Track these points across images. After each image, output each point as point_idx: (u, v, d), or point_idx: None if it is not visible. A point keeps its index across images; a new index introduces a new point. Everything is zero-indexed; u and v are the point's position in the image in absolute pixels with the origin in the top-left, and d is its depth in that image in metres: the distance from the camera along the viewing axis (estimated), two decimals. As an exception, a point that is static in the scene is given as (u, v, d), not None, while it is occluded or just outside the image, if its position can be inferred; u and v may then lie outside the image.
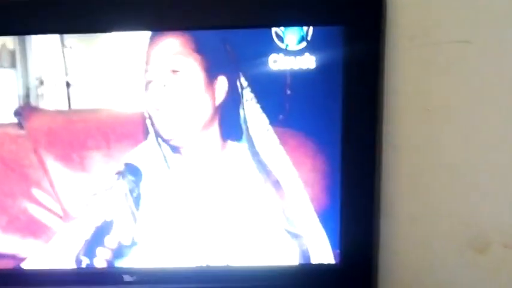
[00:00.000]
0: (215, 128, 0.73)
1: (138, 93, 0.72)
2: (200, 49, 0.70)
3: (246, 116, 0.72)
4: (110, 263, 0.78)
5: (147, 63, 0.71)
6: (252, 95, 0.71)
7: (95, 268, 0.79)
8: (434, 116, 0.73)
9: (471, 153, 0.73)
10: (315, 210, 0.76)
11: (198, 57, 0.70)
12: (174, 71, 0.71)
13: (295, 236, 0.77)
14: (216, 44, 0.70)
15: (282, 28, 0.69)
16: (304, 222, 0.76)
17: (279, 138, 0.73)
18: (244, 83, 0.71)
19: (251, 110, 0.72)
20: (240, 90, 0.71)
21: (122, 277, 0.79)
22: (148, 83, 0.71)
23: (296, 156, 0.74)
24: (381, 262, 0.81)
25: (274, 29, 0.69)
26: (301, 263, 0.79)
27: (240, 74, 0.71)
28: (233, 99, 0.72)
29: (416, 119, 0.74)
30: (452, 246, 0.77)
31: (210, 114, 0.73)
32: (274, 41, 0.70)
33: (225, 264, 0.79)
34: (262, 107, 0.72)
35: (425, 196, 0.77)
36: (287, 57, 0.70)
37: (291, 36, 0.69)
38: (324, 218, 0.76)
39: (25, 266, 0.79)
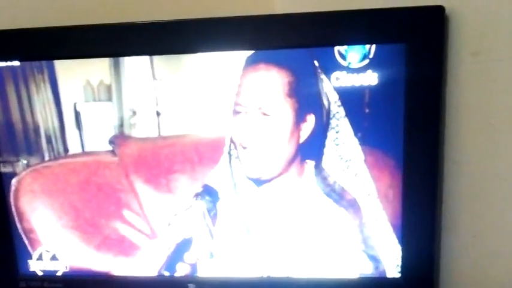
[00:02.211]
0: (296, 160, 0.77)
1: (222, 120, 0.77)
2: (292, 92, 0.74)
3: (329, 141, 0.76)
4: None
5: (237, 95, 0.76)
6: (337, 122, 0.75)
7: (161, 276, 0.84)
8: (496, 132, 0.73)
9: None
10: (389, 224, 0.78)
11: (290, 100, 0.74)
12: (264, 114, 0.75)
13: (367, 250, 0.79)
14: (308, 79, 0.74)
15: (344, 47, 0.72)
16: (374, 236, 0.78)
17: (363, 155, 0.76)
18: (333, 110, 0.74)
19: (335, 134, 0.75)
20: (327, 120, 0.75)
21: (187, 286, 0.84)
22: (236, 114, 0.76)
23: (375, 173, 0.76)
24: (442, 277, 0.80)
25: (337, 48, 0.72)
26: (363, 276, 0.80)
27: (329, 103, 0.74)
28: (318, 134, 0.75)
29: (478, 135, 0.74)
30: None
31: (293, 151, 0.77)
32: (336, 60, 0.73)
33: (286, 276, 0.82)
34: (347, 128, 0.75)
35: (488, 212, 0.76)
36: (350, 75, 0.73)
37: (353, 54, 0.72)
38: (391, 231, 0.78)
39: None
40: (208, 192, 0.80)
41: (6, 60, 0.79)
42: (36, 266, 0.87)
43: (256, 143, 0.76)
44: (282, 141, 0.76)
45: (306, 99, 0.74)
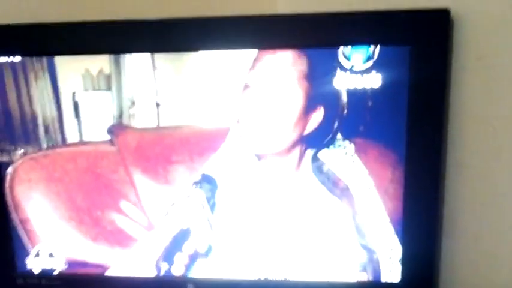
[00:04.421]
0: (296, 151, 0.77)
1: (222, 111, 0.76)
2: (309, 76, 0.73)
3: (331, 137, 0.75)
4: (185, 269, 0.83)
5: (251, 69, 0.74)
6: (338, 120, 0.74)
7: (159, 277, 0.84)
8: (499, 135, 0.74)
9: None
10: (391, 225, 0.78)
11: (305, 84, 0.73)
12: (273, 91, 0.74)
13: (366, 249, 0.79)
14: (326, 68, 0.73)
15: (348, 48, 0.72)
16: (374, 237, 0.79)
17: (358, 149, 0.76)
18: (341, 111, 0.74)
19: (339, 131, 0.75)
20: (335, 119, 0.74)
21: (186, 286, 0.84)
22: (242, 95, 0.75)
23: (373, 168, 0.76)
24: (443, 281, 0.81)
25: (341, 49, 0.72)
26: (359, 281, 0.80)
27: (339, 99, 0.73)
28: (324, 129, 0.75)
29: (481, 138, 0.75)
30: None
31: (293, 141, 0.76)
32: (339, 61, 0.72)
33: (283, 278, 0.82)
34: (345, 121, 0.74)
35: (489, 215, 0.77)
36: (353, 76, 0.72)
37: (357, 55, 0.71)
38: (393, 233, 0.78)
39: (108, 272, 0.85)
40: (207, 180, 0.80)
41: (8, 56, 0.78)
42: (33, 264, 0.87)
43: (259, 119, 0.75)
44: (284, 123, 0.75)
45: (319, 89, 0.73)
